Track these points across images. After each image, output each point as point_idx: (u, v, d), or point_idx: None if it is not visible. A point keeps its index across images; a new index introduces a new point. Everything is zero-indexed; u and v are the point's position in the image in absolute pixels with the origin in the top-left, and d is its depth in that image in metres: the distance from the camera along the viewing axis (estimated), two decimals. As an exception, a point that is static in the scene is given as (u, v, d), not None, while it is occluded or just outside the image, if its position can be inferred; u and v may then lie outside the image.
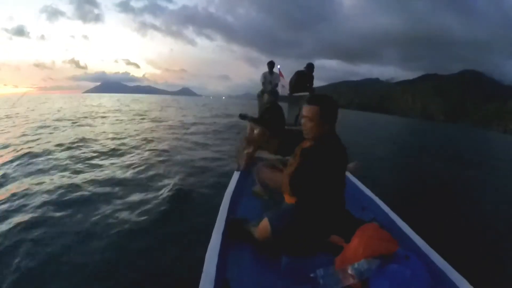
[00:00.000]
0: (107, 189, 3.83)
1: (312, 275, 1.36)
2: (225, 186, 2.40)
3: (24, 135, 8.15)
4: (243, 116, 3.81)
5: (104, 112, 17.62)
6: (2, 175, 4.24)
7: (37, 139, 7.36)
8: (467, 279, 1.36)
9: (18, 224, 2.74)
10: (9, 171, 4.45)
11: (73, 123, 11.45)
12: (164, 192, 3.76)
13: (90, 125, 10.98)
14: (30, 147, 6.14)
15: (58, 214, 3.04)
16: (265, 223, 1.60)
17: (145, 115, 16.76)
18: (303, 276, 1.40)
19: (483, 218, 3.72)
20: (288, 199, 1.73)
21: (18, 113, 15.67)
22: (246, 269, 1.54)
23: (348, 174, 2.95)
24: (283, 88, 6.53)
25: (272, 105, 3.80)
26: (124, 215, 3.07)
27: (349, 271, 1.27)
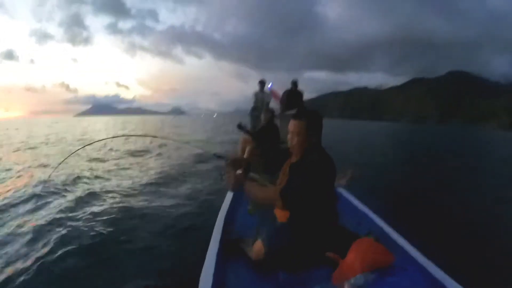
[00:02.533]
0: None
1: (309, 292, 1.33)
2: (219, 205, 2.40)
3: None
4: (241, 127, 3.86)
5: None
6: None
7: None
8: None
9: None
10: None
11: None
12: (157, 213, 3.72)
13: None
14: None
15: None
16: (259, 244, 1.59)
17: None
18: None
19: (480, 227, 3.65)
20: (280, 217, 1.71)
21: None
22: (243, 287, 1.52)
23: (342, 189, 2.96)
24: (275, 106, 6.62)
25: (268, 123, 3.88)
26: (117, 234, 3.06)
27: (346, 287, 1.26)
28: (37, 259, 2.49)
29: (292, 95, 6.31)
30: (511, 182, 7.08)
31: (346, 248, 1.41)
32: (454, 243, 2.96)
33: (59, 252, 2.63)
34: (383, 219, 2.18)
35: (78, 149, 2.71)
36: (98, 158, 8.32)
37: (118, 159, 8.33)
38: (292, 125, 1.60)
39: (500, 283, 2.32)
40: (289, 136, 1.63)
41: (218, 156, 2.05)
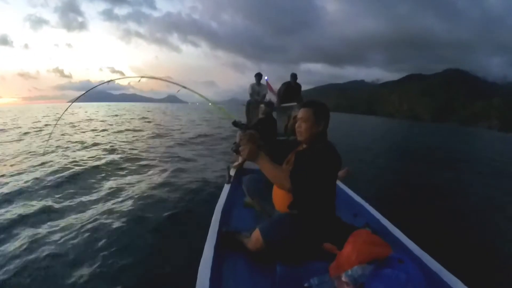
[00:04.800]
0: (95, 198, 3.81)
1: (306, 284, 1.33)
2: (216, 199, 2.38)
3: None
4: (236, 124, 3.75)
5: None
6: None
7: None
8: (461, 280, 1.37)
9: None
10: None
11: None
12: (154, 206, 3.68)
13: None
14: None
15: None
16: (257, 234, 1.59)
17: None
18: (298, 285, 1.37)
19: (473, 219, 3.74)
20: (280, 205, 1.70)
21: None
22: (240, 280, 1.52)
23: (338, 182, 2.96)
24: (271, 99, 6.65)
25: (266, 116, 3.86)
26: (112, 227, 3.01)
27: (344, 278, 1.25)
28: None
29: (290, 87, 6.37)
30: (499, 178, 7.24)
31: (343, 240, 1.41)
32: (450, 236, 3.01)
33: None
34: (379, 211, 2.19)
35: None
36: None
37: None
38: (300, 112, 1.66)
39: (494, 276, 2.37)
40: (297, 124, 1.67)
41: (237, 125, 2.05)
